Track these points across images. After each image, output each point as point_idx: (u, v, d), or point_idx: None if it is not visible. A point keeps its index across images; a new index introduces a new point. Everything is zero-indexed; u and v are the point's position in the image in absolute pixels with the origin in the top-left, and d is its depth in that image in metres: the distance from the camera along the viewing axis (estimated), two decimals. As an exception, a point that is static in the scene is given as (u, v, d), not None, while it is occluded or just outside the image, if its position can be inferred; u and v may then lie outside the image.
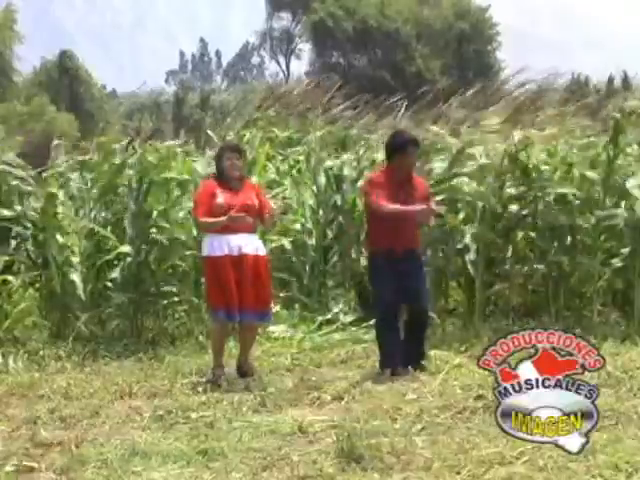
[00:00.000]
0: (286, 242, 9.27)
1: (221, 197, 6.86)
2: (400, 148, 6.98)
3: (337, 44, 50.22)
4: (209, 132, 12.46)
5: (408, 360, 6.97)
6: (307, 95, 15.29)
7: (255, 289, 6.82)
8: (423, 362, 6.98)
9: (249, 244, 6.85)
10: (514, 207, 8.77)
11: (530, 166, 8.70)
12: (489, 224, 8.66)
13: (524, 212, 8.74)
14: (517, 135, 9.03)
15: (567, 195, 8.60)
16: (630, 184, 8.45)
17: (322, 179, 9.49)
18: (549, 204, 8.60)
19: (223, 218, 6.75)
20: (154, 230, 8.49)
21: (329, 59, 51.51)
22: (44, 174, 9.04)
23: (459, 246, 8.85)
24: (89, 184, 8.91)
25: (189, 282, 8.80)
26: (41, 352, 7.68)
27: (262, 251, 6.99)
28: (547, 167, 8.81)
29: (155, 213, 8.52)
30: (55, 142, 9.88)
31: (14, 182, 8.73)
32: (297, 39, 55.11)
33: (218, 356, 6.97)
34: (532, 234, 8.75)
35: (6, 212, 8.47)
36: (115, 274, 8.39)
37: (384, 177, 7.04)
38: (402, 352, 6.98)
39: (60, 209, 8.54)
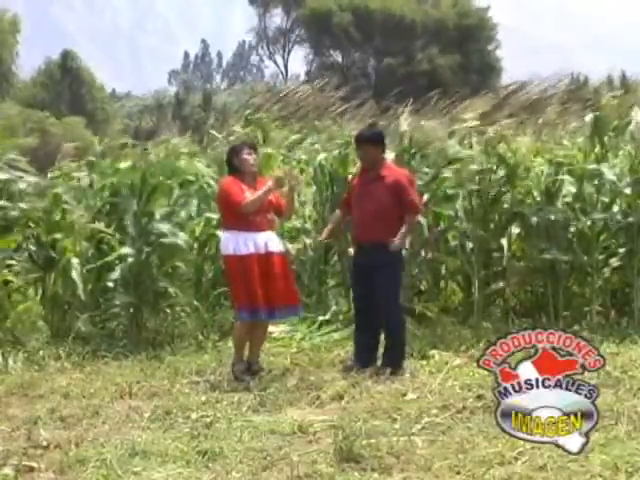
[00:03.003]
0: (286, 242, 9.26)
1: (248, 192, 6.89)
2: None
3: (335, 39, 50.07)
4: (212, 132, 12.42)
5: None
6: (307, 99, 15.29)
7: (284, 285, 6.90)
8: (390, 368, 6.91)
9: (274, 242, 6.93)
10: (505, 203, 8.79)
11: (512, 161, 8.72)
12: (481, 220, 8.66)
13: (515, 209, 8.74)
14: (491, 130, 9.11)
15: (556, 193, 8.62)
16: (607, 175, 8.47)
17: (323, 179, 9.48)
18: (538, 202, 8.62)
19: (268, 185, 6.83)
20: (156, 231, 8.47)
21: (327, 57, 51.43)
22: (49, 175, 9.04)
23: (454, 244, 8.88)
24: (93, 185, 8.91)
25: (189, 283, 8.81)
26: (41, 352, 7.66)
27: (284, 248, 7.13)
28: (534, 164, 8.85)
29: (157, 214, 8.51)
30: (67, 145, 9.91)
31: (20, 184, 8.72)
32: (293, 37, 54.91)
33: (240, 351, 6.98)
34: (523, 232, 8.77)
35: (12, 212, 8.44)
36: (116, 275, 8.38)
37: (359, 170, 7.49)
38: (365, 350, 7.11)
39: (64, 210, 8.53)
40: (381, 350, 7.18)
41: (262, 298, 6.78)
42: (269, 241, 6.88)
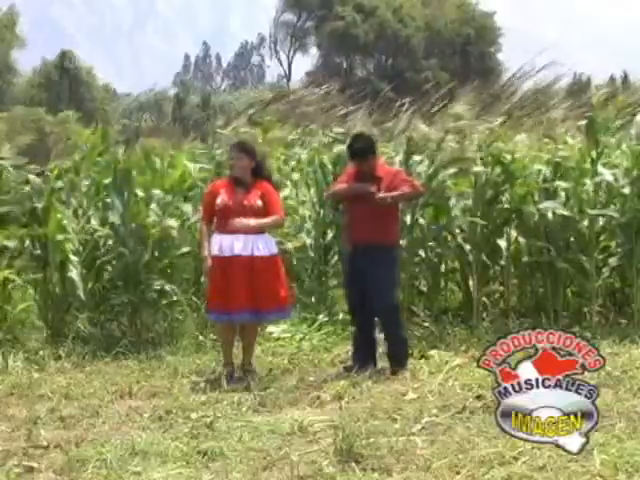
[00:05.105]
0: (290, 244, 9.25)
1: (220, 198, 6.84)
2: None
3: (346, 48, 50.33)
4: (220, 131, 12.39)
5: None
6: (310, 99, 15.29)
7: (250, 290, 6.73)
8: (397, 367, 6.95)
9: (243, 245, 6.74)
10: (503, 202, 8.79)
11: (507, 159, 8.72)
12: (480, 217, 8.66)
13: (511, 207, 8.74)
14: (482, 127, 9.12)
15: (554, 193, 8.62)
16: (605, 174, 8.47)
17: (323, 179, 9.47)
18: (537, 202, 8.62)
19: (205, 244, 6.88)
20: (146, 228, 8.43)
21: (333, 59, 51.52)
22: (46, 173, 8.99)
23: (453, 243, 8.88)
24: (87, 183, 8.88)
25: (189, 282, 8.80)
26: (41, 352, 7.66)
27: (262, 251, 6.80)
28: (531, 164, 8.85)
29: (149, 211, 8.48)
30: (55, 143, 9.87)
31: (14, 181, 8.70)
32: (306, 38, 54.92)
33: (224, 354, 7.01)
34: (521, 236, 8.76)
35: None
36: (114, 274, 8.37)
37: (348, 174, 7.33)
38: (363, 350, 7.10)
39: (60, 208, 8.51)
40: (380, 350, 7.19)
41: (224, 300, 6.77)
42: (237, 245, 6.72)
